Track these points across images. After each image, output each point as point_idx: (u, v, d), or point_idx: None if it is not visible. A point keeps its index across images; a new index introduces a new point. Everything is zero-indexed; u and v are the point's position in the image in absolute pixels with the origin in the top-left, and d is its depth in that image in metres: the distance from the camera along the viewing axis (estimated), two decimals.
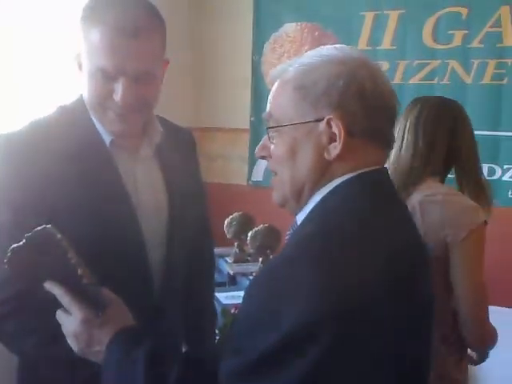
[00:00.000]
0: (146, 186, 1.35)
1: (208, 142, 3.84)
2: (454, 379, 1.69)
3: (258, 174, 3.97)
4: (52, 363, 1.23)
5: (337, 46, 1.00)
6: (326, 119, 0.92)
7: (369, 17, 3.51)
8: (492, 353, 1.79)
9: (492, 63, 3.24)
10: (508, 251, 3.06)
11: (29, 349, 1.23)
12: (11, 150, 1.24)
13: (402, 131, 1.76)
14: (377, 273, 0.86)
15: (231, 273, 2.88)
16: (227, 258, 3.02)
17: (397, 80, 3.43)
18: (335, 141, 0.93)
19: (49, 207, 1.20)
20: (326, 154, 0.94)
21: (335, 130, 0.92)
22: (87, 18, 1.21)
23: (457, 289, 1.61)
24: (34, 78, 2.52)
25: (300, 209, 1.00)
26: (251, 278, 2.76)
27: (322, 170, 0.95)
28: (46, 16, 2.55)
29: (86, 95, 1.28)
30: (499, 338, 1.70)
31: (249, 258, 3.00)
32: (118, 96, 1.21)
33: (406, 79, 3.44)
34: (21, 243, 0.94)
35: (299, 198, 0.98)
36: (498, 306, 2.08)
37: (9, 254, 0.95)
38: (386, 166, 1.03)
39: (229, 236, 2.99)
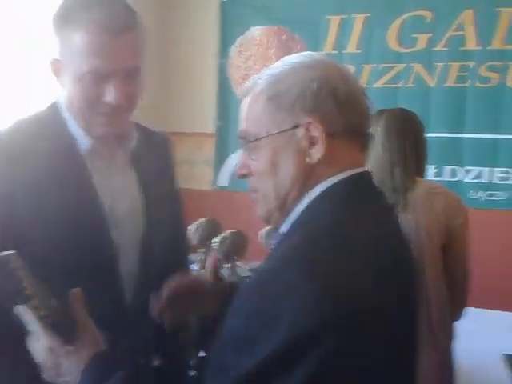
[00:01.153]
0: (121, 194, 1.31)
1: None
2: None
3: (224, 179, 3.95)
4: None
5: (303, 53, 1.00)
6: (304, 123, 0.91)
7: (335, 20, 3.53)
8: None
9: (455, 66, 3.29)
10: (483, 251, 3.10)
11: None
12: None
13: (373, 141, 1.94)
14: (367, 279, 0.84)
15: None
16: (193, 265, 2.97)
17: (362, 84, 3.45)
18: (316, 144, 0.91)
19: (17, 217, 1.17)
20: (308, 159, 0.92)
21: (315, 132, 0.91)
22: (64, 21, 1.18)
23: (455, 262, 1.97)
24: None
25: (285, 220, 0.98)
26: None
27: (306, 176, 0.93)
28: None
29: (66, 100, 1.25)
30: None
31: None
32: (111, 96, 1.18)
33: (371, 83, 3.47)
34: None
35: (284, 209, 0.96)
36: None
37: None
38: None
39: (195, 242, 2.95)
